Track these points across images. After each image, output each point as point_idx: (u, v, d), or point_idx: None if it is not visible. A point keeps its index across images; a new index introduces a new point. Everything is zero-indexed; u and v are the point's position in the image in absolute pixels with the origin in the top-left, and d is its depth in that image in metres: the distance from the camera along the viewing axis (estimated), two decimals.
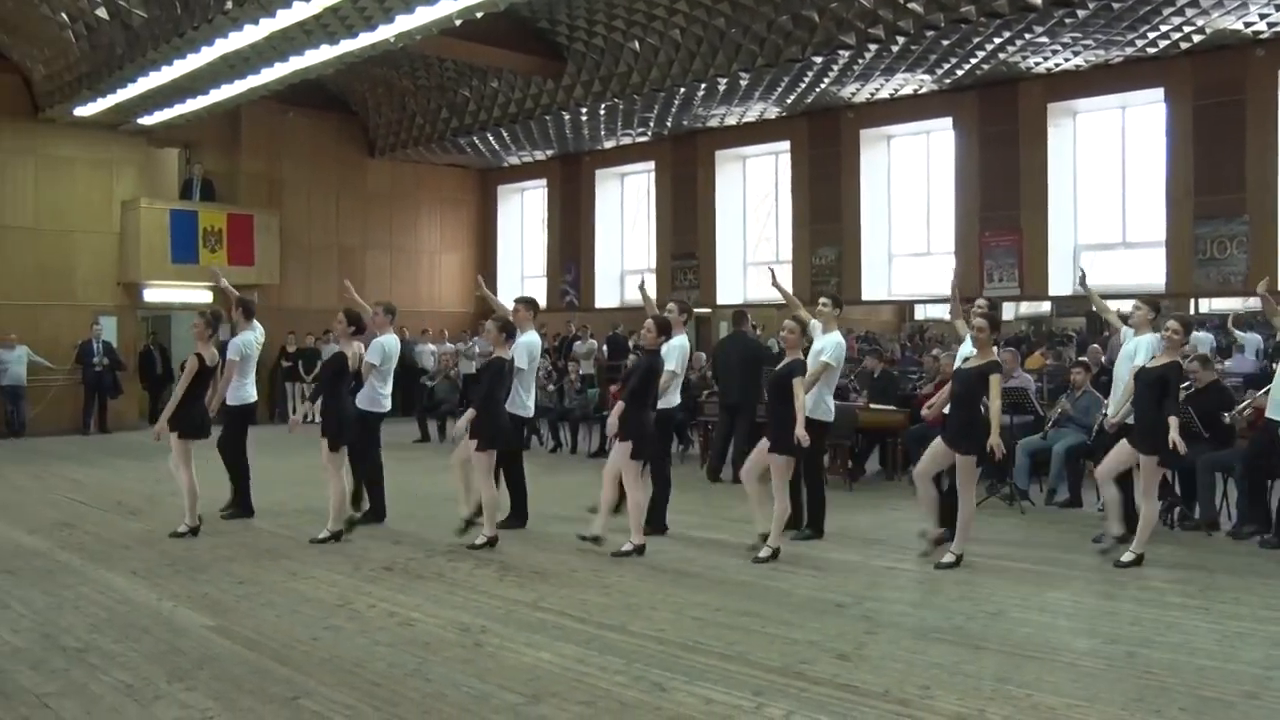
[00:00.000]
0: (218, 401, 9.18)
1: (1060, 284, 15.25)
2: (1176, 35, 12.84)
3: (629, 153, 20.39)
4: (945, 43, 13.35)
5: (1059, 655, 5.38)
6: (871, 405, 11.91)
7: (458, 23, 12.44)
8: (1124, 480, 7.88)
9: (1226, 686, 4.90)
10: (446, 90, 19.02)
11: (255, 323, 9.74)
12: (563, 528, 8.94)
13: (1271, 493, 8.64)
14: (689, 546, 8.22)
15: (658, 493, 8.58)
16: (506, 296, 23.21)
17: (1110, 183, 15.51)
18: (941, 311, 14.49)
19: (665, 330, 8.03)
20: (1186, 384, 9.51)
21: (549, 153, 21.07)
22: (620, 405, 7.90)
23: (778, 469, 7.71)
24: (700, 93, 15.97)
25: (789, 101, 16.52)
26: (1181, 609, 6.33)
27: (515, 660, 5.35)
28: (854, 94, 16.07)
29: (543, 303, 21.61)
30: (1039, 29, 12.77)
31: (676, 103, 16.66)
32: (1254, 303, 10.78)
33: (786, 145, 18.26)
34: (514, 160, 21.93)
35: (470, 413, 8.10)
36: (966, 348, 8.10)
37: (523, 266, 23.47)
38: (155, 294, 18.89)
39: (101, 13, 14.09)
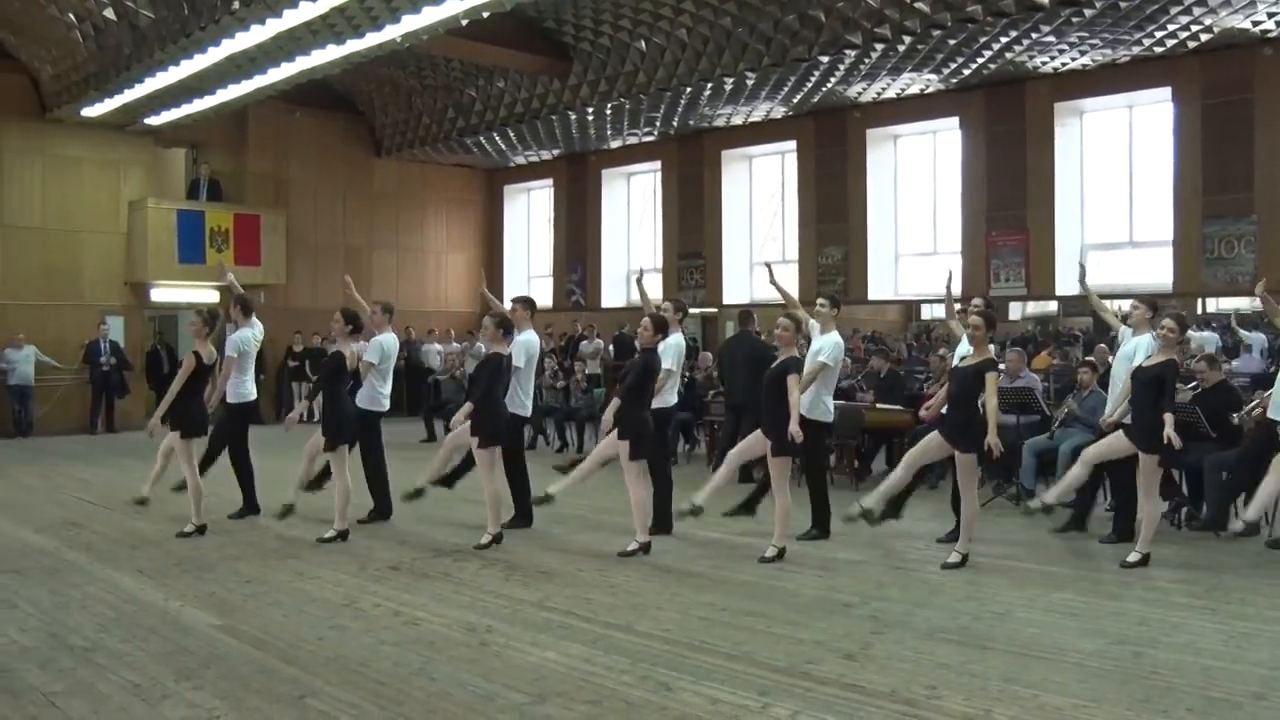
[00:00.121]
0: (217, 397, 9.24)
1: (1067, 284, 15.22)
2: (1184, 34, 12.81)
3: (635, 152, 20.39)
4: (952, 42, 13.33)
5: (1065, 655, 5.37)
6: (878, 405, 11.91)
7: (464, 23, 12.45)
8: (1127, 481, 7.86)
9: (1233, 687, 4.89)
10: (453, 90, 19.03)
11: (254, 320, 9.77)
12: (568, 528, 8.96)
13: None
14: (694, 546, 8.22)
15: (660, 493, 8.57)
16: (513, 296, 23.36)
17: (1117, 182, 15.48)
18: None
19: (662, 329, 8.01)
20: (1193, 384, 9.52)
21: (555, 152, 21.07)
22: (616, 402, 7.91)
23: (776, 468, 7.69)
24: (706, 92, 15.96)
25: (795, 101, 16.51)
26: (1188, 609, 6.31)
27: (521, 660, 5.35)
28: (860, 93, 16.05)
29: (549, 302, 21.83)
30: (1046, 28, 12.74)
31: (683, 102, 16.65)
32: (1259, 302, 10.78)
33: (793, 145, 18.25)
34: (520, 160, 21.94)
35: (468, 405, 8.12)
36: (964, 347, 8.10)
37: (529, 266, 23.49)
38: (162, 294, 18.93)
39: (109, 13, 14.12)
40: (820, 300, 8.89)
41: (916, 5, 12.49)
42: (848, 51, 13.53)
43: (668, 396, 8.62)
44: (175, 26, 13.22)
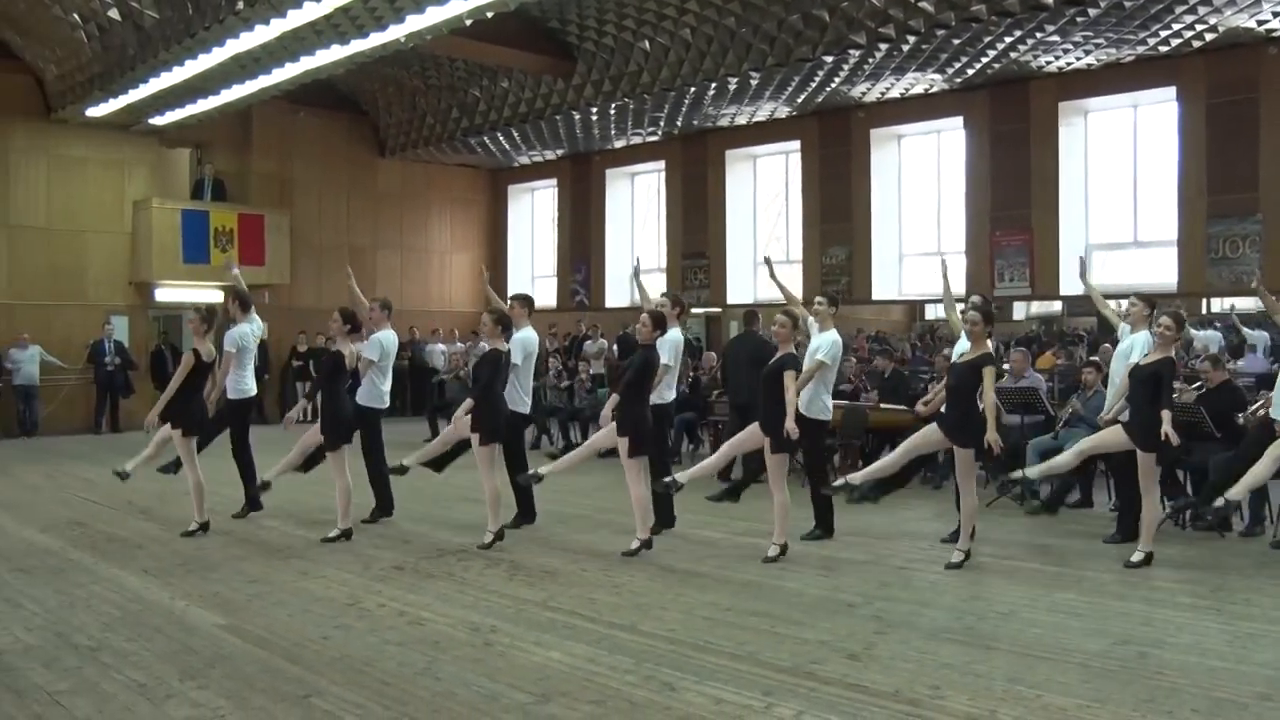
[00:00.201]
0: (217, 393, 9.27)
1: (1071, 284, 15.17)
2: (1189, 34, 12.80)
3: (639, 152, 20.39)
4: (956, 42, 13.32)
5: (1070, 656, 5.36)
6: (882, 405, 11.90)
7: (468, 23, 12.46)
8: (1131, 481, 7.85)
9: (1239, 688, 4.88)
10: (457, 90, 19.04)
11: (254, 315, 9.79)
12: (572, 527, 8.96)
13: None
14: (699, 546, 8.22)
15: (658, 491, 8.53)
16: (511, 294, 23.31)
17: (1122, 182, 15.46)
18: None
19: (660, 324, 7.99)
20: (1198, 384, 9.51)
21: (559, 152, 21.08)
22: (615, 398, 7.90)
23: (774, 465, 7.68)
24: (710, 92, 15.96)
25: (799, 101, 16.51)
26: (1193, 610, 6.30)
27: (525, 659, 5.35)
28: (864, 93, 16.05)
29: (553, 302, 21.85)
30: (1050, 28, 12.73)
31: (687, 102, 16.65)
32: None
33: (797, 145, 18.24)
34: (524, 160, 21.95)
35: (469, 401, 8.13)
36: (962, 343, 8.08)
37: (533, 266, 23.49)
38: (167, 294, 18.95)
39: (113, 14, 14.15)
40: (818, 298, 8.85)
41: (920, 5, 12.48)
42: (852, 51, 13.52)
43: (665, 392, 8.61)
44: (180, 27, 13.24)
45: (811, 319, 8.69)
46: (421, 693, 4.86)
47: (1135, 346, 8.01)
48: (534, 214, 23.67)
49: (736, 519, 9.07)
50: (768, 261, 10.01)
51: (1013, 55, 13.84)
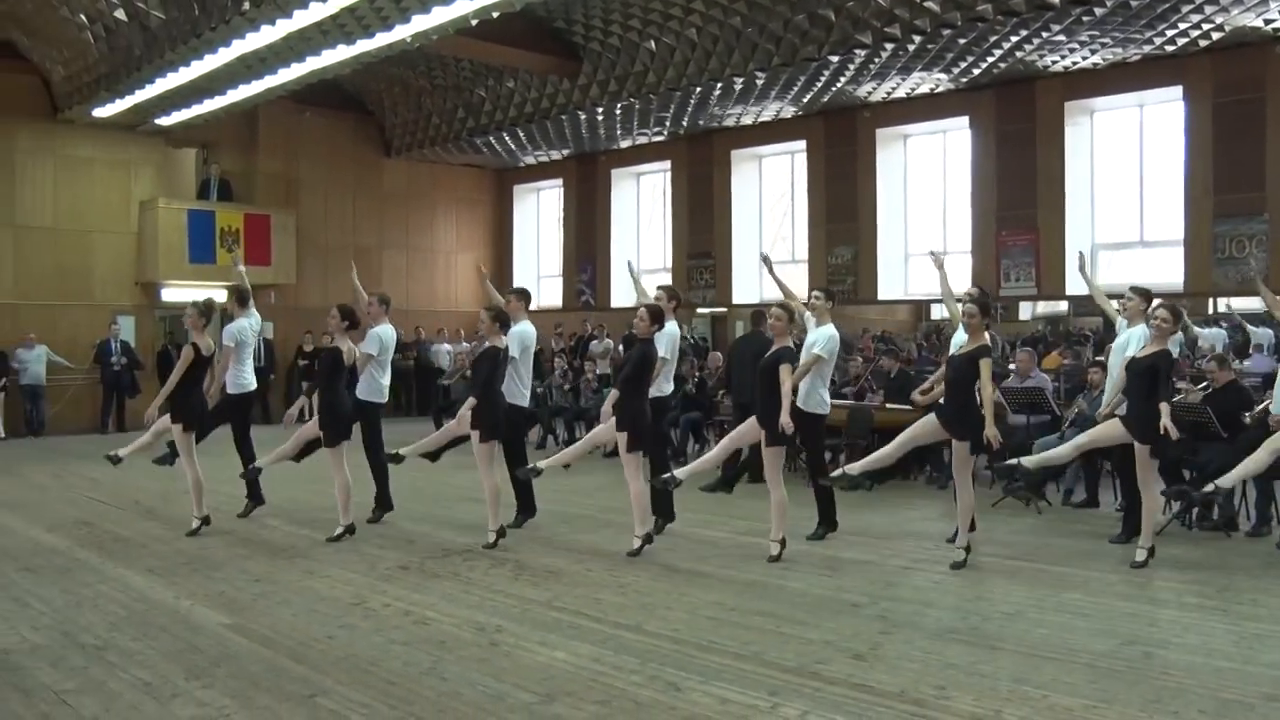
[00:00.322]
0: (216, 388, 9.30)
1: (1077, 283, 15.11)
2: (1195, 33, 12.77)
3: (645, 152, 20.39)
4: (962, 41, 13.30)
5: (1076, 656, 5.35)
6: (888, 405, 11.88)
7: (474, 23, 12.47)
8: (1132, 478, 7.83)
9: (1245, 688, 4.87)
10: (462, 90, 19.05)
11: (252, 310, 9.82)
12: (576, 527, 8.96)
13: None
14: (704, 546, 8.22)
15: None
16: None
17: (1128, 182, 15.42)
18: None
19: (658, 319, 7.99)
20: (1204, 384, 9.48)
21: (565, 152, 21.08)
22: (614, 393, 7.91)
23: (770, 460, 7.67)
24: (716, 92, 15.95)
25: (805, 101, 16.49)
26: (1199, 610, 6.29)
27: (530, 659, 5.35)
28: (870, 93, 16.03)
29: (559, 302, 21.86)
30: (1056, 27, 12.71)
31: (692, 102, 16.65)
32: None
33: (803, 144, 18.22)
34: (530, 160, 21.95)
35: (471, 400, 8.14)
36: (960, 335, 8.07)
37: (539, 266, 23.48)
38: (173, 294, 18.95)
39: (120, 14, 14.17)
40: (815, 292, 8.81)
41: (926, 4, 12.47)
42: (857, 51, 13.51)
43: (664, 385, 8.63)
44: (186, 27, 13.26)
45: (809, 314, 8.68)
46: (427, 692, 4.87)
47: (1132, 340, 8.00)
48: (540, 214, 23.67)
49: (739, 518, 9.07)
50: (766, 260, 10.00)
51: (1019, 55, 13.82)
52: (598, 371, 15.95)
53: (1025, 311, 19.96)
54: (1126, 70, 14.19)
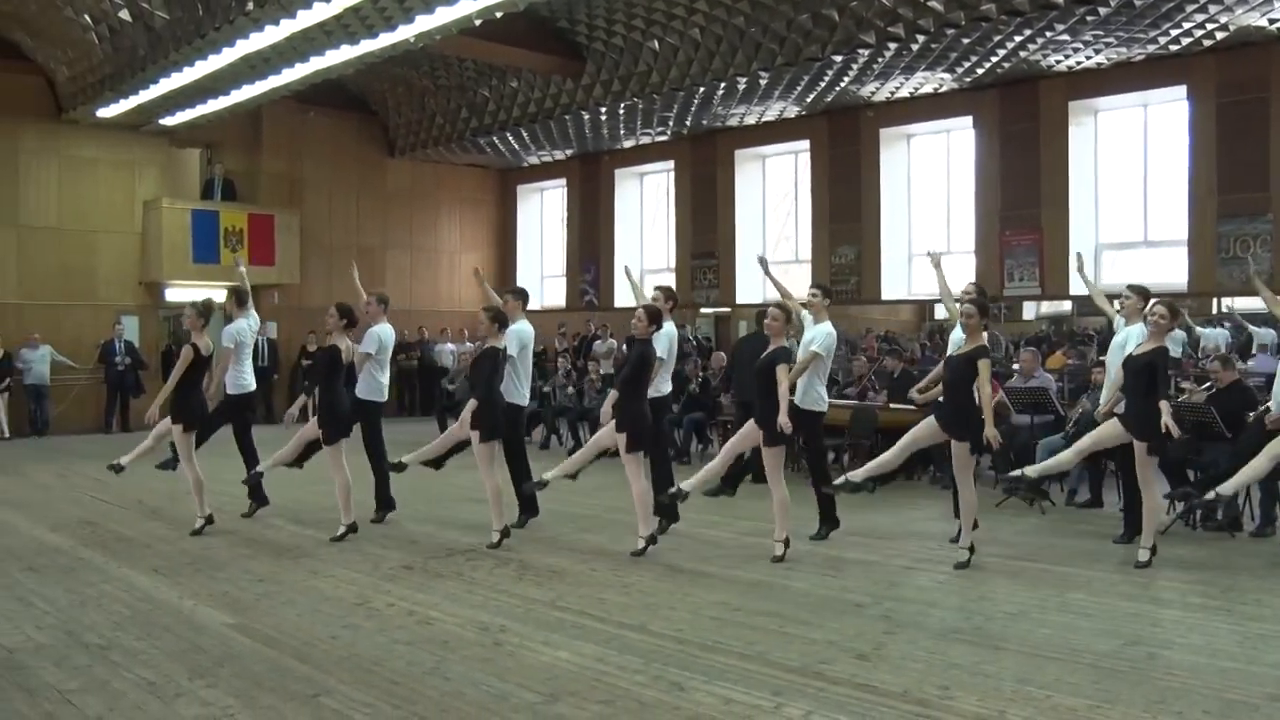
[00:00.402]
0: (215, 388, 9.34)
1: (1081, 283, 15.13)
2: (1199, 32, 12.75)
3: (648, 152, 20.38)
4: (966, 41, 13.29)
5: (1080, 656, 5.35)
6: (891, 405, 11.88)
7: (477, 23, 12.48)
8: (1134, 477, 7.83)
9: (1250, 689, 4.87)
10: (466, 90, 19.06)
11: (251, 311, 9.84)
12: (580, 527, 8.96)
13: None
14: (706, 546, 8.21)
15: (662, 483, 8.51)
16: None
17: (1132, 181, 15.40)
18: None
19: (656, 319, 8.03)
20: (1208, 384, 9.48)
21: (568, 152, 21.08)
22: (614, 394, 7.93)
23: (770, 460, 7.67)
24: (720, 92, 15.95)
25: (809, 100, 16.49)
26: (1203, 610, 6.28)
27: (534, 659, 5.36)
28: (874, 93, 16.02)
29: (562, 302, 21.87)
30: (1060, 27, 12.70)
31: (696, 102, 16.64)
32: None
33: (806, 144, 18.21)
34: (533, 160, 21.96)
35: (472, 403, 8.15)
36: (958, 334, 8.07)
37: (542, 266, 23.50)
38: (177, 294, 18.95)
39: (124, 15, 14.19)
40: (811, 289, 8.81)
41: (930, 4, 12.46)
42: (861, 51, 13.51)
43: (662, 385, 8.66)
44: (190, 27, 13.27)
45: (806, 312, 8.68)
46: (430, 692, 4.87)
47: (1130, 338, 8.00)
48: (543, 214, 23.68)
49: (742, 518, 9.07)
50: (763, 262, 10.01)
51: (1022, 54, 13.81)
52: (601, 371, 15.94)
53: (1029, 311, 19.93)
54: (1130, 70, 14.17)
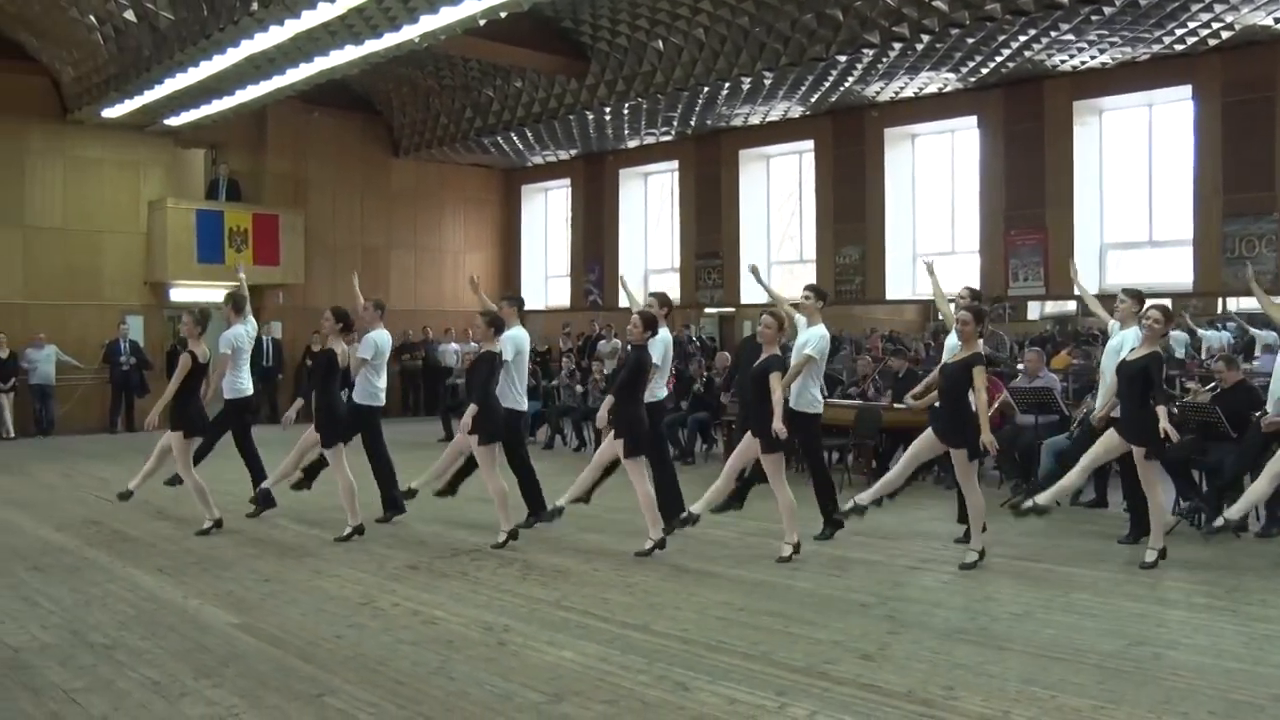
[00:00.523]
0: (212, 394, 9.36)
1: (1086, 283, 15.07)
2: (1205, 32, 12.72)
3: (653, 152, 20.37)
4: (970, 41, 13.27)
5: (1085, 657, 5.34)
6: (895, 405, 11.86)
7: (482, 23, 12.47)
8: (1136, 479, 7.82)
9: (1255, 689, 4.86)
10: (470, 90, 19.07)
11: (248, 317, 9.88)
12: (584, 527, 8.97)
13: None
14: (711, 546, 8.21)
15: (664, 487, 8.50)
16: (530, 296, 23.33)
17: (1137, 181, 15.37)
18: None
19: (651, 325, 8.09)
20: (1213, 384, 9.47)
21: (573, 152, 21.08)
22: (609, 399, 7.98)
23: (770, 466, 7.69)
24: (724, 92, 15.94)
25: (813, 100, 16.47)
26: (1208, 611, 6.27)
27: (538, 659, 5.36)
28: (878, 93, 16.00)
29: (567, 302, 21.87)
30: (1065, 26, 12.67)
31: (700, 102, 16.63)
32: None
33: (810, 144, 18.20)
34: (538, 160, 21.96)
35: (472, 408, 8.18)
36: (953, 340, 8.07)
37: (546, 266, 23.51)
38: (182, 293, 18.97)
39: (129, 15, 14.20)
40: (804, 292, 8.81)
41: (934, 4, 12.44)
42: (865, 50, 13.49)
43: (658, 390, 8.69)
44: (195, 28, 13.29)
45: (798, 314, 8.70)
46: (435, 692, 4.87)
47: (1126, 342, 7.99)
48: (547, 214, 23.68)
49: (747, 519, 9.06)
50: (754, 270, 10.03)
51: (1027, 54, 13.79)
52: (605, 371, 15.93)
53: (1034, 311, 19.92)
54: (1135, 69, 14.15)
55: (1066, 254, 15.06)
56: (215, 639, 5.72)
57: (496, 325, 8.52)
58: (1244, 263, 13.46)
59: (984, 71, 14.57)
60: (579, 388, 15.79)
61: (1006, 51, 13.69)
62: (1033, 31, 12.89)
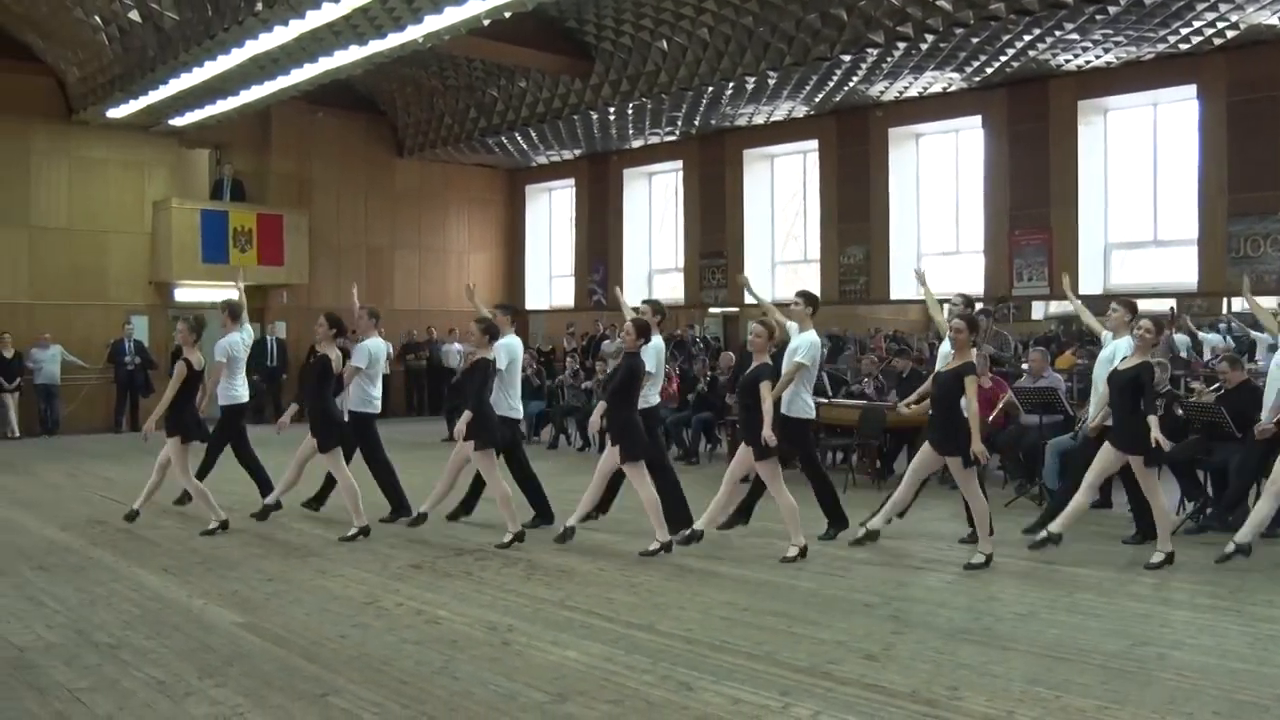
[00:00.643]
0: (207, 402, 9.42)
1: (1091, 283, 15.12)
2: (1209, 31, 12.71)
3: (657, 152, 20.38)
4: (975, 40, 13.27)
5: (1089, 657, 5.34)
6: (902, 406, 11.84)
7: (486, 23, 12.48)
8: (1134, 487, 7.82)
9: (1260, 690, 4.85)
10: (475, 90, 19.08)
11: (244, 324, 9.95)
12: (589, 527, 8.95)
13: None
14: (716, 546, 8.20)
15: (665, 490, 8.51)
16: (535, 295, 23.35)
17: (1142, 181, 15.35)
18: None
19: (645, 333, 8.17)
20: (1217, 385, 9.45)
21: (577, 152, 21.09)
22: (602, 405, 8.07)
23: (766, 472, 7.74)
24: (728, 92, 15.94)
25: (817, 100, 16.47)
26: (1213, 611, 6.26)
27: (542, 659, 5.36)
28: (882, 92, 16.00)
29: (571, 302, 21.88)
30: (1069, 26, 12.66)
31: (704, 102, 16.63)
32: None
33: (815, 144, 18.20)
34: (542, 160, 21.97)
35: (467, 414, 8.21)
36: (946, 348, 8.08)
37: (550, 266, 23.52)
38: (186, 294, 19.05)
39: (134, 15, 14.23)
40: (794, 299, 8.82)
41: (939, 3, 12.43)
42: (870, 50, 13.48)
43: (650, 396, 8.77)
44: (199, 28, 13.31)
45: (790, 322, 8.71)
46: (439, 691, 4.88)
47: (1118, 352, 7.99)
48: (552, 214, 23.69)
49: (756, 519, 9.04)
50: (744, 282, 10.03)
51: (1031, 54, 13.77)
52: (609, 371, 15.91)
53: (1038, 311, 19.90)
54: (1140, 69, 14.13)
55: (1071, 254, 15.08)
56: (220, 638, 5.73)
57: (492, 333, 8.59)
58: (1250, 262, 13.48)
59: (988, 71, 14.56)
60: (585, 384, 15.78)
61: (1011, 51, 13.68)
62: (1037, 31, 12.88)
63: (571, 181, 22.45)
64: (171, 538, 8.65)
